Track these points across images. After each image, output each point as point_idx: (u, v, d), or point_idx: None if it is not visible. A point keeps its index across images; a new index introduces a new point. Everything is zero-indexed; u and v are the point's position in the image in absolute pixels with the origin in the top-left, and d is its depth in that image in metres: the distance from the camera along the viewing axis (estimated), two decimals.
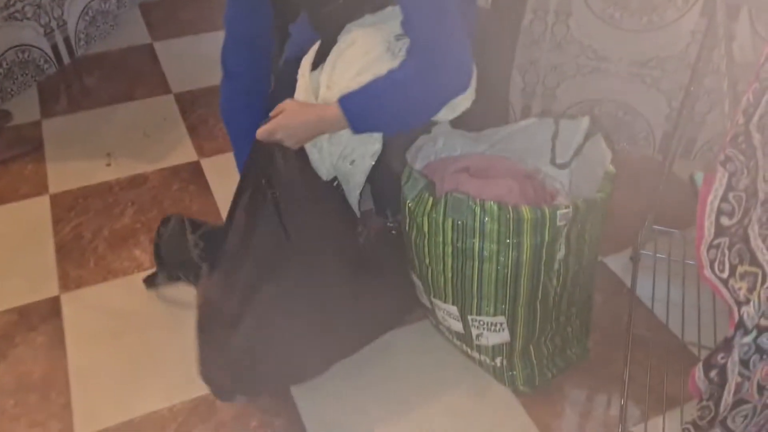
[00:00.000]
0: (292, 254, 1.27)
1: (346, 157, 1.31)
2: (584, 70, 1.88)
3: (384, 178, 1.38)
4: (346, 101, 1.21)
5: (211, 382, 1.32)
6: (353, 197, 1.39)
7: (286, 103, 1.26)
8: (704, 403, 0.73)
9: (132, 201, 1.85)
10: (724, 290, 0.72)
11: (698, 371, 0.71)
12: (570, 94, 1.95)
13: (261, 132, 1.22)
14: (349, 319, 1.36)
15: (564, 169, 1.40)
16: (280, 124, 1.22)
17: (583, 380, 1.40)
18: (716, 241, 0.75)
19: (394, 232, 1.60)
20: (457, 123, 1.40)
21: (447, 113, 1.27)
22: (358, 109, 1.21)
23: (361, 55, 1.24)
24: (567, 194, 1.34)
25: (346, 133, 1.27)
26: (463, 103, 1.28)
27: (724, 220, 0.75)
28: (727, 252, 0.72)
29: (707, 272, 0.76)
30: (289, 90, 1.34)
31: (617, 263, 1.65)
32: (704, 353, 1.40)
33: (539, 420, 1.33)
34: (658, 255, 1.58)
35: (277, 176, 1.24)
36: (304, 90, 1.30)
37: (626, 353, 1.37)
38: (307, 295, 1.29)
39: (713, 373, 0.69)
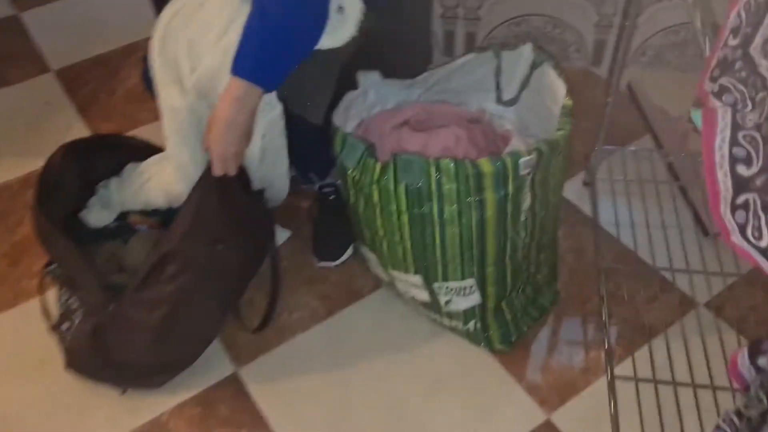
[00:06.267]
0: None
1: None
2: None
3: (295, 141, 1.23)
4: (237, 69, 1.05)
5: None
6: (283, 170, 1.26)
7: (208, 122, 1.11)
8: (752, 393, 0.63)
9: (28, 205, 1.61)
10: (762, 261, 0.61)
11: (741, 357, 0.61)
12: (494, 13, 1.80)
13: (216, 169, 1.11)
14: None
15: (511, 106, 1.27)
16: (214, 144, 1.09)
17: (558, 325, 1.33)
18: (740, 199, 0.64)
19: (332, 197, 1.46)
20: (386, 69, 1.25)
21: (330, 41, 1.08)
22: (254, 66, 1.05)
23: (216, 14, 1.07)
24: (520, 135, 1.22)
25: None
26: (344, 28, 1.09)
27: (742, 170, 0.64)
28: (762, 214, 0.61)
29: (736, 238, 0.64)
30: None
31: (571, 190, 1.56)
32: (677, 277, 1.35)
33: (521, 376, 1.25)
34: (613, 177, 1.50)
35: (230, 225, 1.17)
36: (162, 83, 1.13)
37: (600, 291, 1.30)
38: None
39: (764, 361, 0.59)
